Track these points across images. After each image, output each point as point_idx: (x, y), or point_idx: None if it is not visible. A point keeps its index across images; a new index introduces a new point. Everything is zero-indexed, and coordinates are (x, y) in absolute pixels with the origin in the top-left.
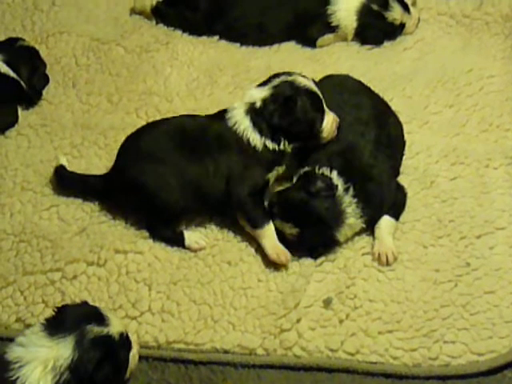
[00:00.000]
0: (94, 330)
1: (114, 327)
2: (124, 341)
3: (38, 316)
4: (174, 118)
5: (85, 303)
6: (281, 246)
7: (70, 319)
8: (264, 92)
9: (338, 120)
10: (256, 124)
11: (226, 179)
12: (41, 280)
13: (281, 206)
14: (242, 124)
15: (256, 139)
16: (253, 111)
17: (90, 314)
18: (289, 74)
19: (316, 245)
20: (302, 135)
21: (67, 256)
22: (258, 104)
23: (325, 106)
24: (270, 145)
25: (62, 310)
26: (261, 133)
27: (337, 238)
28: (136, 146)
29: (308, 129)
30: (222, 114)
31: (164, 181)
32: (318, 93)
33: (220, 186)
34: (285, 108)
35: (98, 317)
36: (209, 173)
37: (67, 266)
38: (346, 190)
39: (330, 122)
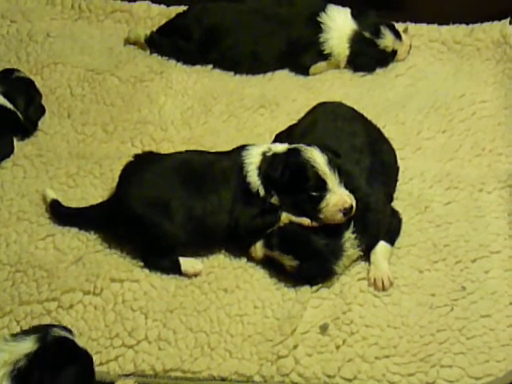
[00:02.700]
0: (60, 332)
1: (80, 343)
2: (89, 357)
3: None
4: (180, 152)
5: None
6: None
7: (36, 327)
8: (279, 150)
9: (347, 204)
10: (260, 168)
11: (229, 212)
12: (37, 310)
13: (281, 239)
14: (252, 160)
15: (254, 179)
16: (263, 156)
17: (58, 325)
18: (312, 146)
19: (314, 276)
20: (293, 203)
21: (63, 285)
22: (269, 154)
23: (330, 186)
24: (262, 192)
25: (28, 328)
26: (258, 176)
27: (335, 270)
28: (140, 177)
29: (297, 200)
30: (235, 150)
31: (168, 214)
32: (323, 174)
33: (224, 219)
34: (280, 168)
35: (66, 329)
36: (213, 207)
37: (63, 295)
38: (348, 226)
39: (331, 204)
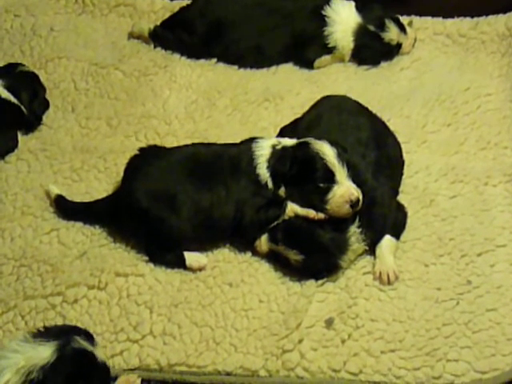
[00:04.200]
0: (81, 342)
1: (100, 353)
2: (106, 369)
3: None
4: (186, 145)
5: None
6: None
7: (58, 329)
8: (288, 144)
9: (354, 196)
10: (269, 161)
11: (236, 204)
12: (42, 304)
13: (286, 233)
14: (262, 152)
15: (263, 171)
16: (273, 149)
17: (80, 330)
18: (321, 140)
19: (320, 270)
20: (300, 195)
21: (68, 280)
22: (278, 147)
23: (338, 178)
24: (270, 184)
25: (49, 327)
26: (267, 169)
27: (340, 264)
28: (146, 171)
29: (304, 191)
30: (245, 142)
31: (174, 207)
32: (332, 166)
33: (230, 211)
34: (288, 162)
35: (87, 335)
36: (220, 199)
37: (68, 289)
38: (353, 220)
39: (337, 195)
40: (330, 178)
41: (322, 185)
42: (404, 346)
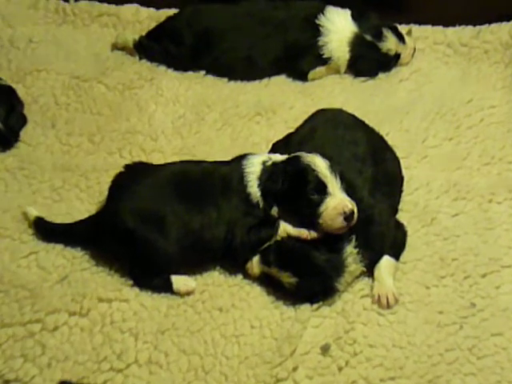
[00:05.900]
0: None
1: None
2: None
3: (17, 371)
4: (174, 163)
5: None
6: None
7: None
8: (278, 159)
9: (348, 208)
10: (260, 179)
11: (227, 225)
12: (20, 332)
13: (279, 255)
14: (253, 170)
15: (254, 189)
16: (263, 166)
17: None
18: (312, 154)
19: (315, 293)
20: (292, 211)
21: (47, 306)
22: (269, 164)
23: (331, 190)
24: (262, 203)
25: None
26: (258, 187)
27: (337, 287)
28: (132, 189)
29: (296, 206)
30: (236, 159)
31: (162, 229)
32: (324, 177)
33: (221, 233)
34: (280, 179)
35: None
36: (211, 220)
37: (48, 316)
38: (349, 240)
39: (330, 207)
40: (322, 190)
41: (313, 197)
42: (404, 374)
